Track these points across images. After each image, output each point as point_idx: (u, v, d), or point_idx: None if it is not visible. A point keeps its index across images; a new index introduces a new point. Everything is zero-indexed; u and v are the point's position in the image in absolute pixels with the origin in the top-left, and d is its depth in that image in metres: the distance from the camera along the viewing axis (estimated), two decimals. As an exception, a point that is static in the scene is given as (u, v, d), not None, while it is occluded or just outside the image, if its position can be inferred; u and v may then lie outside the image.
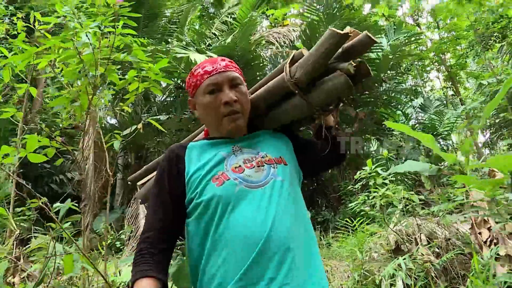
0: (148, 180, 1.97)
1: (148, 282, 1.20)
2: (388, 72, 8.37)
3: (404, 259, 3.56)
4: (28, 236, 4.00)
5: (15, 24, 4.43)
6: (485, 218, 3.63)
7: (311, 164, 1.57)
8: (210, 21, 10.38)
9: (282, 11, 10.76)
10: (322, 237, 6.45)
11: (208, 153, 1.41)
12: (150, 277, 1.21)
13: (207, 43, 8.99)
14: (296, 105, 1.43)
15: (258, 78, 8.05)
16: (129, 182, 2.18)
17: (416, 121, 10.72)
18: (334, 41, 1.27)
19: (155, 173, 1.65)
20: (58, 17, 2.78)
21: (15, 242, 3.31)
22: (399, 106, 9.57)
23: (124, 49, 2.97)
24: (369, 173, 4.60)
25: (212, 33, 9.75)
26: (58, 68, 2.99)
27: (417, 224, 4.21)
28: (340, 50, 1.35)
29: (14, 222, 3.32)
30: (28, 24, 3.86)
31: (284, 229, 1.25)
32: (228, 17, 9.86)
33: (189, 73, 1.53)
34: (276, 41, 8.74)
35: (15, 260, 3.29)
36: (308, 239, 1.34)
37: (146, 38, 6.96)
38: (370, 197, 4.55)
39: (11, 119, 3.58)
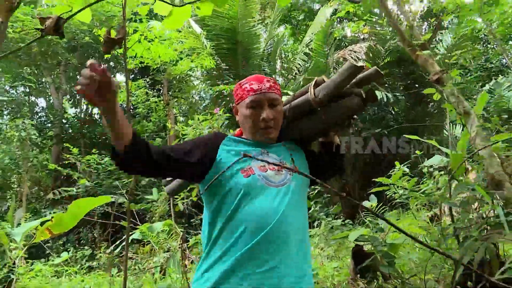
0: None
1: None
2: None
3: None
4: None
5: None
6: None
7: (317, 175, 1.80)
8: (292, 58, 12.23)
9: (353, 30, 12.17)
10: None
11: (241, 147, 1.73)
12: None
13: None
14: (314, 119, 1.80)
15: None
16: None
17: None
18: (352, 71, 1.67)
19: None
20: None
21: (181, 240, 5.66)
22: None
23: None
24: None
25: (295, 66, 11.74)
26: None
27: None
28: (354, 80, 1.73)
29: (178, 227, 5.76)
30: None
31: (288, 221, 1.57)
32: (306, 48, 11.65)
33: (237, 84, 1.83)
34: (351, 57, 10.43)
35: (184, 250, 5.68)
36: (305, 233, 1.69)
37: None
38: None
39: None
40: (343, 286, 3.59)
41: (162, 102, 12.32)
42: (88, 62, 1.24)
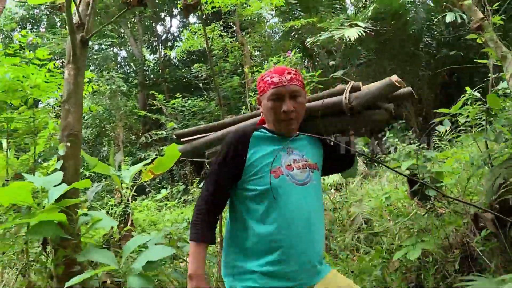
0: (193, 140, 2.36)
1: (199, 247, 1.71)
2: None
3: None
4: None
5: None
6: None
7: (331, 168, 2.08)
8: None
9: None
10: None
11: (269, 146, 1.81)
12: (202, 242, 1.71)
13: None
14: (342, 122, 1.91)
15: (411, 31, 9.29)
16: (174, 136, 2.48)
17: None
18: (390, 89, 1.77)
19: (199, 136, 2.30)
20: None
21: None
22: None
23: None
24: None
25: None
26: None
27: None
28: (386, 96, 1.82)
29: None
30: None
31: (315, 214, 1.79)
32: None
33: (260, 76, 1.89)
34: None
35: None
36: (323, 224, 1.87)
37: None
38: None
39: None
40: (402, 205, 4.04)
41: (236, 43, 12.71)
42: None
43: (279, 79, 1.76)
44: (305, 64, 10.94)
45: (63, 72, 4.01)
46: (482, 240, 2.85)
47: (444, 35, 9.78)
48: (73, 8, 3.81)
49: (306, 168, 1.81)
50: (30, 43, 9.53)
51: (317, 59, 11.05)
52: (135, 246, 3.00)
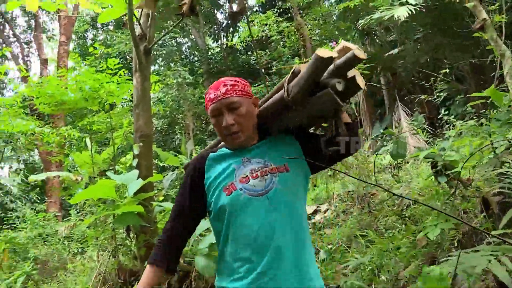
0: None
1: (150, 269, 1.64)
2: None
3: None
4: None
5: None
6: None
7: (323, 158, 1.69)
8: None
9: None
10: None
11: (223, 164, 1.72)
12: (153, 265, 1.65)
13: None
14: (296, 114, 1.65)
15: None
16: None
17: None
18: (319, 64, 1.44)
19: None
20: None
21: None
22: None
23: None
24: None
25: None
26: None
27: None
28: (332, 66, 1.48)
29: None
30: None
31: (278, 233, 1.58)
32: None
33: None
34: None
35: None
36: (299, 241, 1.63)
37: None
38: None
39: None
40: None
41: (293, 27, 12.93)
42: None
43: (215, 95, 1.67)
44: (364, 42, 10.95)
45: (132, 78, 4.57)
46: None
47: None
48: (135, 19, 4.32)
49: (267, 174, 1.65)
50: (102, 52, 10.33)
51: (375, 36, 11.01)
52: (201, 230, 3.47)
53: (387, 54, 9.50)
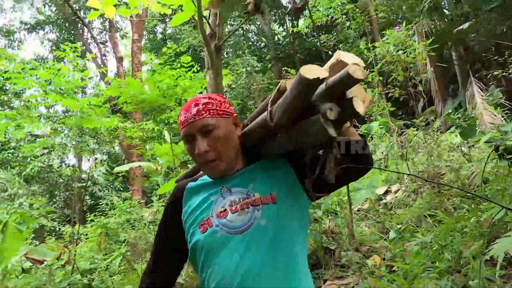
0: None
1: None
2: None
3: None
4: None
5: None
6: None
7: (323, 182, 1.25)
8: None
9: None
10: None
11: (200, 195, 1.46)
12: None
13: None
14: (284, 142, 1.32)
15: None
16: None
17: None
18: (302, 88, 1.10)
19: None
20: None
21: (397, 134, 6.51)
22: None
23: None
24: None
25: None
26: None
27: None
28: (324, 86, 1.11)
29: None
30: None
31: (258, 277, 1.28)
32: None
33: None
34: None
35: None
36: (289, 284, 1.32)
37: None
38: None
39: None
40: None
41: (357, 9, 12.76)
42: None
43: (185, 116, 1.42)
44: (433, 17, 10.60)
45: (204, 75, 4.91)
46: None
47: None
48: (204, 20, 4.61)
49: (249, 207, 1.38)
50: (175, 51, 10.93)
51: (445, 10, 10.62)
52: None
53: (457, 29, 9.18)
